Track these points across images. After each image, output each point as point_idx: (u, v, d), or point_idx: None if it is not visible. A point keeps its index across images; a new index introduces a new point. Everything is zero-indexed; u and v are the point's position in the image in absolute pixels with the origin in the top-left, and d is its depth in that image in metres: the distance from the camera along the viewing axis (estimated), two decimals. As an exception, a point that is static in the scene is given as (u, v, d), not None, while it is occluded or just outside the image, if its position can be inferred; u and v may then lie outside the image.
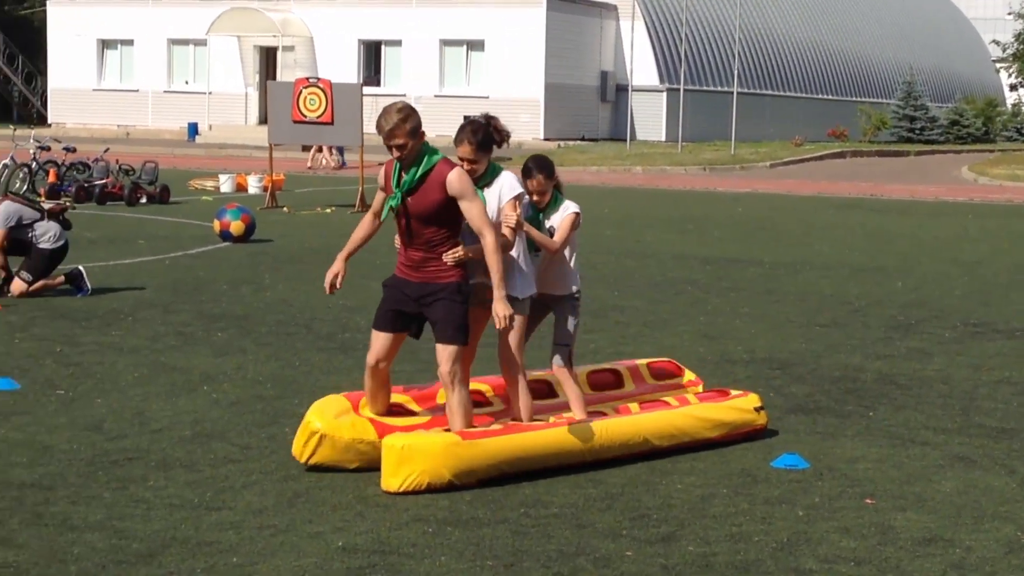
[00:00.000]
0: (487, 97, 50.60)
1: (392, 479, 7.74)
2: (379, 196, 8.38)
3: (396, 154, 8.00)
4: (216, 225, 21.13)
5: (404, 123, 7.93)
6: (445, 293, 8.01)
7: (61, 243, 14.93)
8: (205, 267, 17.93)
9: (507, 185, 8.34)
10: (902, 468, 8.58)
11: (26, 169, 27.69)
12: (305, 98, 26.85)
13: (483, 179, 8.36)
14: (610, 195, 33.43)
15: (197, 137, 52.23)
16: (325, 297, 15.14)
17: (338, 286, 8.29)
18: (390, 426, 8.21)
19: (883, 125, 60.39)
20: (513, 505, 7.66)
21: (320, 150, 40.89)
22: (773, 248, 21.98)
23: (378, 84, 51.68)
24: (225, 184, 31.69)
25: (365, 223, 8.45)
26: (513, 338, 8.31)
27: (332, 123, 26.89)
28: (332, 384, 10.63)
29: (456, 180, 7.97)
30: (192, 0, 55.24)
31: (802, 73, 65.38)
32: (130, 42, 56.22)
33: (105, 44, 56.85)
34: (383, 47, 53.80)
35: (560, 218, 8.70)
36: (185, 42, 55.19)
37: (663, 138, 53.74)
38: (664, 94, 54.94)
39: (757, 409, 9.29)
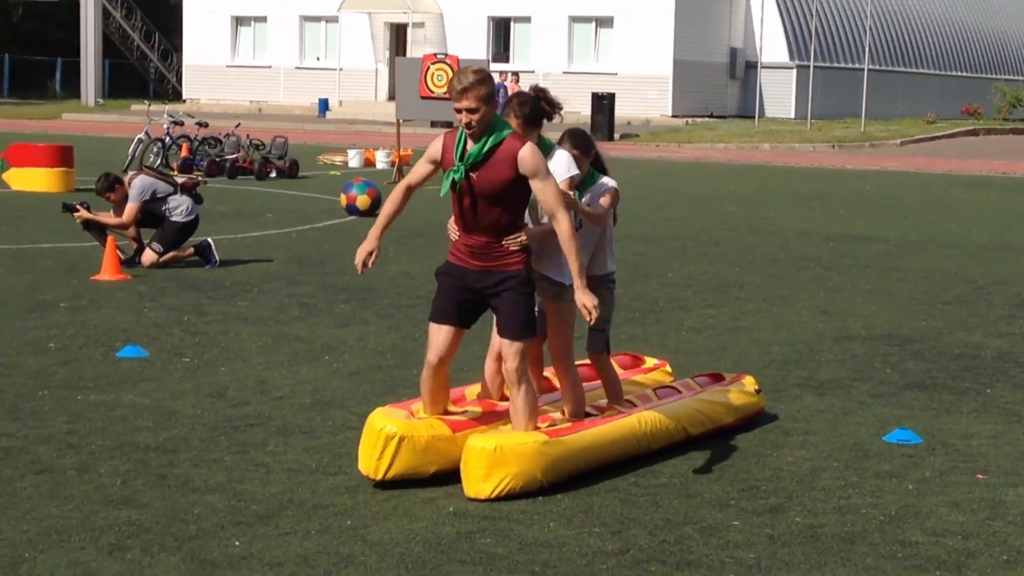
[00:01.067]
0: (615, 74, 50.61)
1: (483, 484, 7.10)
2: (421, 168, 7.55)
3: (465, 119, 7.17)
4: (343, 199, 21.40)
5: (480, 85, 7.13)
6: (512, 283, 7.34)
7: (192, 216, 15.22)
8: (331, 240, 18.19)
9: (560, 164, 7.65)
10: (1016, 445, 8.50)
11: (160, 144, 28.27)
12: (433, 74, 26.98)
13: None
14: (736, 172, 33.30)
15: (327, 113, 52.73)
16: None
17: (370, 265, 7.51)
18: (461, 422, 7.67)
19: (1018, 103, 59.27)
20: (623, 474, 7.71)
21: None
22: (899, 225, 21.75)
23: (507, 60, 51.82)
24: (353, 159, 32.02)
25: (396, 196, 7.60)
26: (566, 329, 7.88)
27: (459, 98, 27.02)
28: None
29: (530, 156, 7.20)
30: (325, -22, 55.89)
31: (936, 49, 64.41)
32: (263, 19, 56.86)
33: (239, 21, 57.58)
34: (512, 23, 53.86)
35: (596, 194, 8.10)
36: (317, 19, 55.72)
37: (792, 115, 53.23)
38: (794, 71, 54.40)
39: (757, 391, 9.01)
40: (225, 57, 57.34)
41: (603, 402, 8.40)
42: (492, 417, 7.83)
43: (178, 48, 60.43)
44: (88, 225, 15.35)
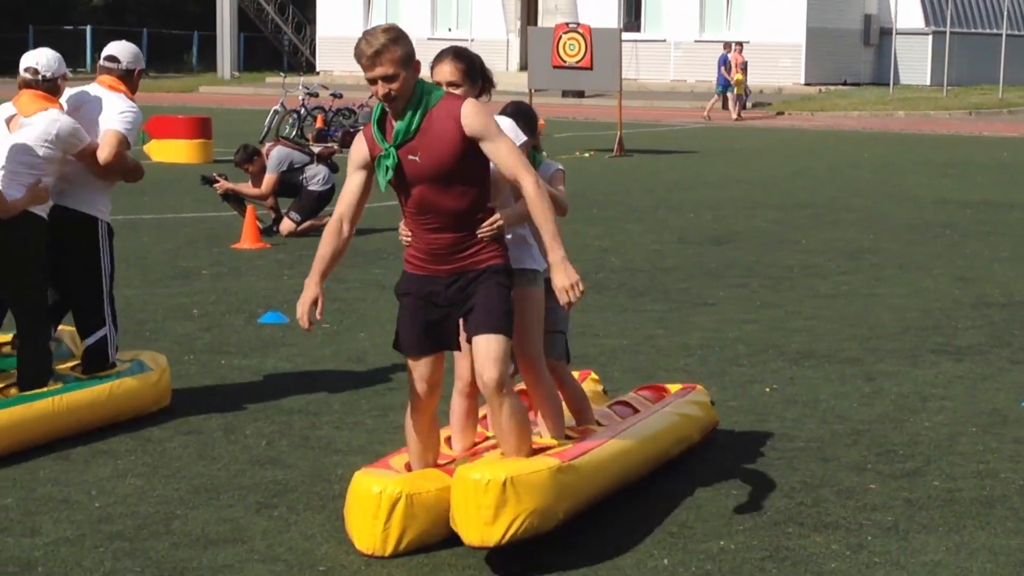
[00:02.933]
0: (748, 42, 49.93)
1: (491, 528, 5.50)
2: (350, 183, 5.93)
3: (382, 90, 5.58)
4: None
5: (394, 45, 5.56)
6: (492, 278, 5.75)
7: (329, 185, 15.43)
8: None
9: (505, 131, 5.89)
10: None
11: (295, 115, 28.62)
12: (565, 43, 26.98)
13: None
14: (871, 140, 32.90)
15: (459, 84, 52.88)
16: (580, 237, 15.45)
17: (318, 317, 5.82)
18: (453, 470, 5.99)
19: None
20: (759, 439, 7.71)
21: (725, 102, 40.61)
22: (1038, 192, 21.38)
23: (638, 30, 51.57)
24: (485, 129, 32.09)
25: (331, 233, 5.92)
26: (539, 322, 6.26)
27: (591, 68, 26.98)
28: (582, 324, 10.85)
29: (475, 112, 5.64)
30: (456, -52, 56.10)
31: (1076, 13, 62.90)
32: (393, -9, 57.18)
33: (369, -3, 57.96)
34: (643, -8, 53.61)
35: (546, 178, 6.36)
36: (449, -11, 55.92)
37: (927, 82, 52.28)
38: (930, 37, 53.41)
39: (711, 403, 7.68)
40: (358, 29, 57.27)
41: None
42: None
43: (311, 20, 60.93)
44: (228, 196, 15.63)
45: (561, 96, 41.73)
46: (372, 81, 5.59)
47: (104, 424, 7.75)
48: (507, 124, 6.11)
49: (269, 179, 15.31)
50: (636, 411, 7.26)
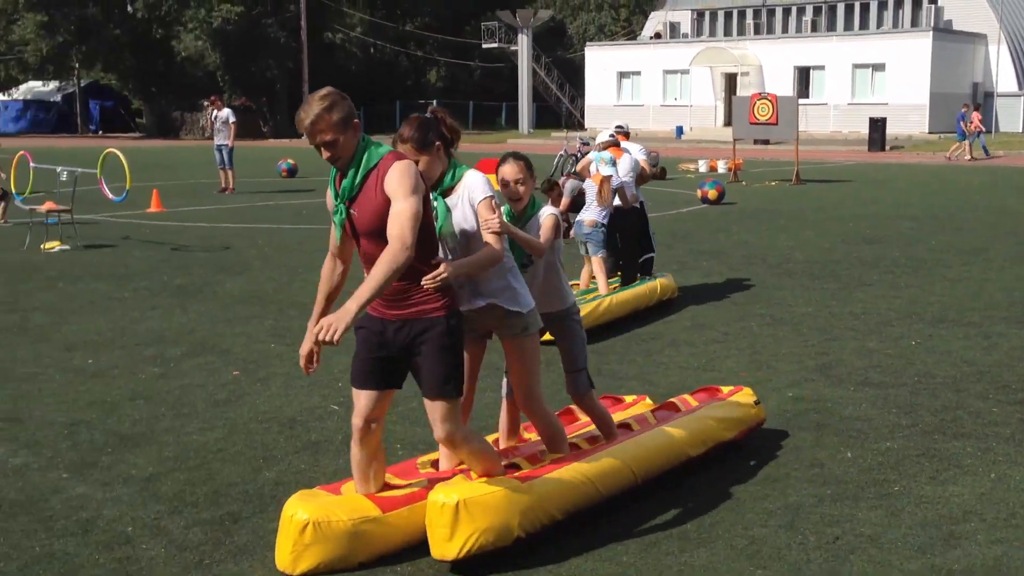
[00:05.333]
0: (887, 103, 48.39)
1: (448, 544, 4.45)
2: (332, 235, 4.57)
3: (325, 155, 4.28)
4: (698, 193, 21.43)
5: (328, 113, 4.22)
6: (431, 335, 4.37)
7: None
8: (692, 220, 18.28)
9: (475, 187, 4.63)
10: None
11: (574, 158, 28.71)
12: (757, 107, 26.78)
13: (441, 183, 4.66)
14: (979, 171, 31.37)
15: (682, 135, 52.50)
16: (772, 239, 15.29)
17: (315, 363, 4.47)
18: (396, 498, 4.70)
19: None
20: (909, 377, 7.55)
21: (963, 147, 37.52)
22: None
23: (807, 96, 50.29)
24: (702, 166, 31.86)
25: (325, 274, 4.63)
26: (533, 367, 4.89)
27: (777, 123, 26.78)
28: (779, 298, 10.80)
29: (395, 172, 4.23)
30: (680, 44, 55.63)
31: None
32: (638, 73, 56.92)
33: (622, 75, 57.83)
34: (811, 71, 52.09)
35: (538, 223, 5.16)
36: (675, 72, 55.39)
37: (1020, 130, 49.66)
38: (1022, 98, 50.71)
39: (756, 403, 6.22)
40: (612, 99, 57.71)
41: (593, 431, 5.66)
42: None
43: (581, 94, 61.22)
44: (535, 211, 15.95)
45: (753, 143, 41.07)
46: (316, 147, 4.28)
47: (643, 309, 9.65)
48: (479, 179, 4.62)
49: (564, 202, 15.59)
50: (677, 411, 6.02)
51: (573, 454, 5.13)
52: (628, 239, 10.67)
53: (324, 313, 4.56)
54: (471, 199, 4.63)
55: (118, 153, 14.12)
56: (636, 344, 8.69)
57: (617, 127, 11.42)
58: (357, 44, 64.27)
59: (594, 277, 10.11)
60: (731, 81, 53.61)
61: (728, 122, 40.91)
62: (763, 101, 26.97)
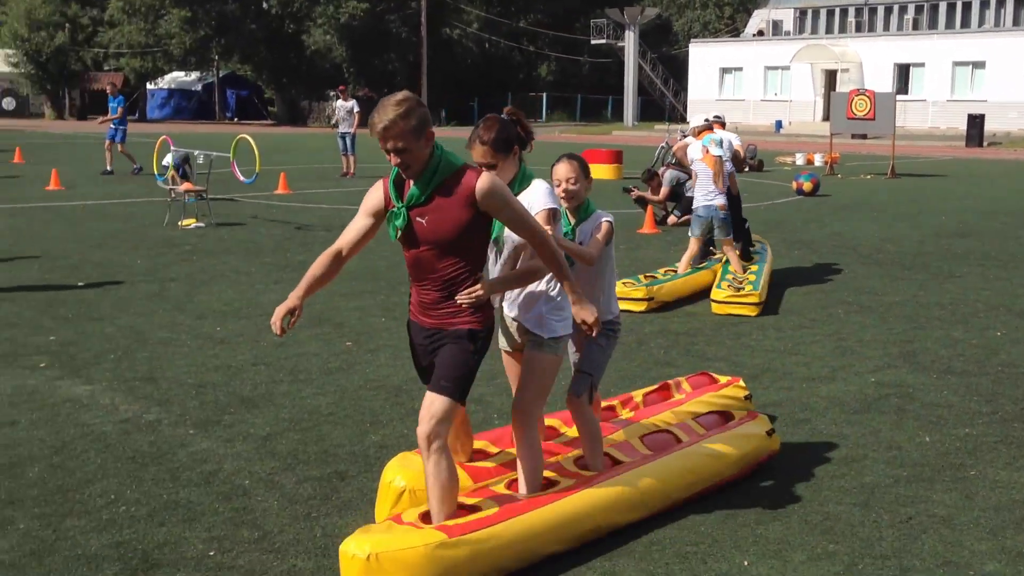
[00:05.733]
0: (985, 100, 46.75)
1: None
2: (356, 223, 4.13)
3: (394, 161, 3.90)
4: (793, 185, 21.07)
5: (403, 120, 3.83)
6: (454, 336, 4.04)
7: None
8: (786, 211, 17.95)
9: (539, 196, 4.31)
10: None
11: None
12: (855, 102, 26.22)
13: (511, 189, 4.23)
14: (1076, 168, 30.18)
15: (781, 129, 51.55)
16: (865, 231, 14.95)
17: (289, 327, 4.11)
18: (481, 468, 4.60)
19: None
20: (992, 366, 7.33)
21: None
22: None
23: (906, 92, 48.89)
24: (799, 159, 31.28)
25: (324, 260, 4.17)
26: (537, 382, 4.36)
27: (874, 119, 26.15)
28: (868, 287, 10.56)
29: (488, 186, 3.92)
30: (782, 41, 54.60)
31: None
32: (740, 68, 56.04)
33: (724, 70, 56.99)
34: (911, 67, 50.61)
35: (591, 228, 4.75)
36: (776, 68, 54.37)
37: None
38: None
39: (769, 433, 5.27)
40: (714, 93, 56.94)
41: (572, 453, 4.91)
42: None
43: (684, 89, 60.52)
44: (638, 200, 15.92)
45: (851, 138, 40.13)
46: (386, 152, 3.90)
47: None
48: (543, 189, 4.35)
49: (664, 191, 15.52)
50: (673, 439, 5.15)
51: (537, 497, 4.33)
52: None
53: (310, 292, 4.14)
54: (532, 207, 4.23)
55: (249, 139, 14.46)
56: (726, 327, 8.61)
57: (715, 116, 11.47)
58: (473, 39, 64.53)
59: (719, 256, 10.41)
60: (831, 77, 52.39)
61: (826, 117, 39.93)
62: (861, 97, 26.38)
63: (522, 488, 4.39)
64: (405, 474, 4.46)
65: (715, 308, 9.15)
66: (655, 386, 6.03)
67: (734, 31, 64.27)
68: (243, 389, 6.57)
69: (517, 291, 4.40)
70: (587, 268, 4.67)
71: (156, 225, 14.52)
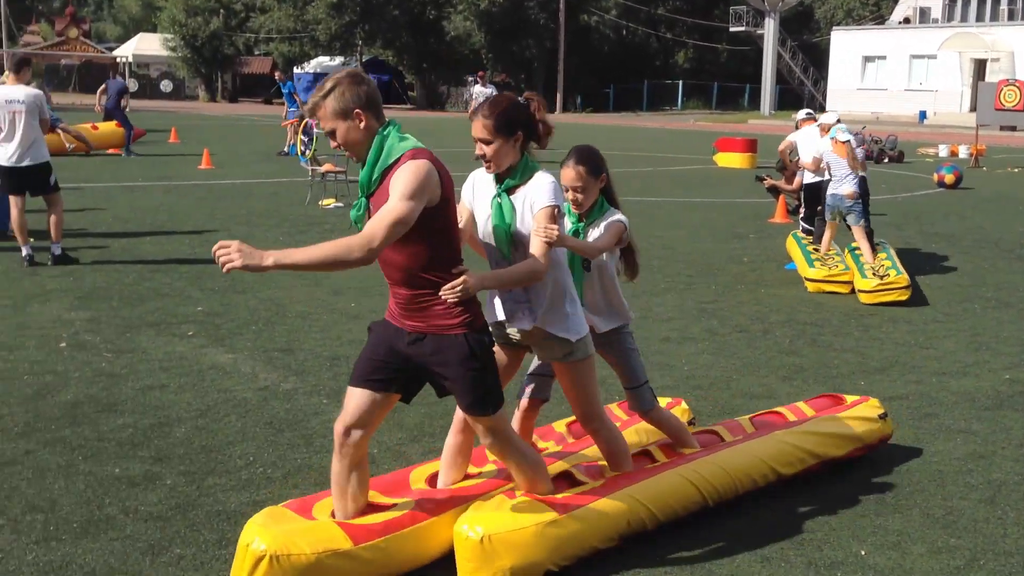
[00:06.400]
0: None
1: None
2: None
3: (333, 144, 3.60)
4: (935, 177, 20.37)
5: (325, 99, 3.57)
6: (455, 357, 3.61)
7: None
8: (926, 203, 17.39)
9: (540, 191, 3.79)
10: None
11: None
12: (1004, 93, 25.27)
13: (509, 178, 3.84)
14: None
15: (925, 120, 49.80)
16: (1011, 221, 14.37)
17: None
18: (371, 527, 3.79)
19: None
20: None
21: None
22: None
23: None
24: (942, 151, 30.18)
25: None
26: (587, 390, 4.10)
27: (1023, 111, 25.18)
28: (1008, 282, 10.19)
29: (401, 172, 3.46)
30: (929, 29, 52.65)
31: None
32: (883, 57, 54.33)
33: (866, 59, 55.34)
34: (1067, 57, 48.33)
35: (603, 228, 4.26)
36: (921, 56, 52.53)
37: None
38: None
39: (881, 416, 5.15)
40: (856, 82, 55.37)
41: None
42: (439, 508, 3.97)
43: (824, 77, 58.99)
44: (771, 189, 15.64)
45: (999, 129, 38.46)
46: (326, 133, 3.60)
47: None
48: (546, 183, 3.80)
49: (797, 181, 15.17)
50: (783, 420, 5.07)
51: (636, 471, 4.31)
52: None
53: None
54: (533, 203, 3.78)
55: (388, 122, 14.73)
56: (855, 318, 8.44)
57: (807, 113, 12.17)
58: (611, 26, 64.22)
59: (856, 243, 10.25)
60: (980, 67, 50.32)
61: (973, 108, 38.46)
62: (1010, 87, 25.38)
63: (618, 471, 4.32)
64: (266, 535, 3.62)
65: (864, 299, 9.03)
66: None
67: (879, 18, 62.24)
68: (375, 362, 6.76)
69: (533, 299, 3.90)
70: (599, 277, 4.27)
71: (298, 204, 14.97)
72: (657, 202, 16.62)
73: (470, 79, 59.97)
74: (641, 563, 3.98)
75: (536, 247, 3.73)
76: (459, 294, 3.52)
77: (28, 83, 10.26)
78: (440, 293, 3.54)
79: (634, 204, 16.31)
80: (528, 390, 4.43)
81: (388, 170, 3.53)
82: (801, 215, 12.36)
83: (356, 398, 3.76)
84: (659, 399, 5.16)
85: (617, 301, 4.35)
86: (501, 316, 3.97)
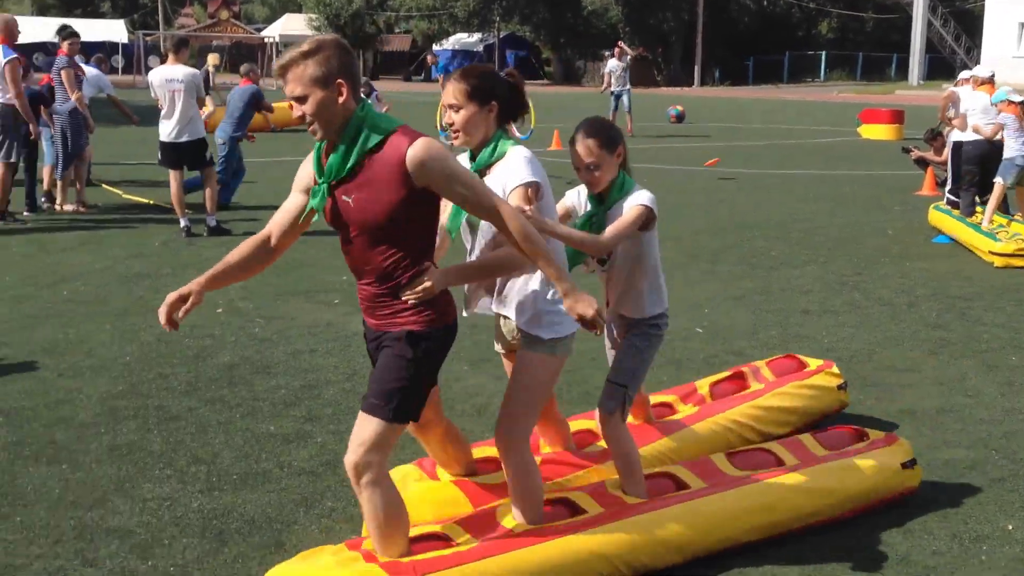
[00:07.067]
0: None
1: None
2: (288, 202, 3.32)
3: (295, 112, 3.09)
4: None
5: (306, 58, 3.06)
6: (392, 341, 3.20)
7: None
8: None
9: (515, 168, 3.37)
10: None
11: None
12: None
13: (481, 155, 3.46)
14: None
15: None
16: None
17: (179, 318, 3.16)
18: (482, 488, 3.74)
19: None
20: None
21: None
22: None
23: None
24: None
25: (246, 245, 3.32)
26: (523, 395, 3.50)
27: None
28: None
29: (422, 154, 3.03)
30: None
31: None
32: (1042, 23, 51.73)
33: (1022, 26, 52.72)
34: None
35: (622, 211, 3.72)
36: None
37: None
38: None
39: (908, 464, 4.15)
40: (1012, 50, 52.75)
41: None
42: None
43: (977, 45, 56.43)
44: (918, 161, 15.15)
45: None
46: (289, 101, 3.12)
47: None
48: (520, 159, 3.38)
49: (945, 152, 14.65)
50: (774, 461, 4.12)
51: (515, 536, 3.42)
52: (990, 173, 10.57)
53: (219, 280, 3.26)
54: (505, 184, 3.35)
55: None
56: (1008, 293, 8.15)
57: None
58: (751, -3, 62.81)
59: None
60: None
61: None
62: None
63: (519, 520, 3.53)
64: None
65: (997, 262, 8.99)
66: (727, 373, 4.98)
67: (1038, -18, 59.14)
68: (514, 331, 6.88)
69: (506, 287, 3.53)
70: (623, 262, 3.81)
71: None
72: (796, 175, 16.29)
73: (608, 54, 59.73)
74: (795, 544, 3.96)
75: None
76: (420, 294, 3.15)
77: (186, 63, 10.73)
78: (402, 294, 3.16)
79: (773, 176, 16.03)
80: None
81: (370, 155, 3.08)
82: (947, 188, 11.99)
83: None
84: (809, 359, 5.01)
85: (641, 290, 3.83)
86: (484, 309, 3.59)
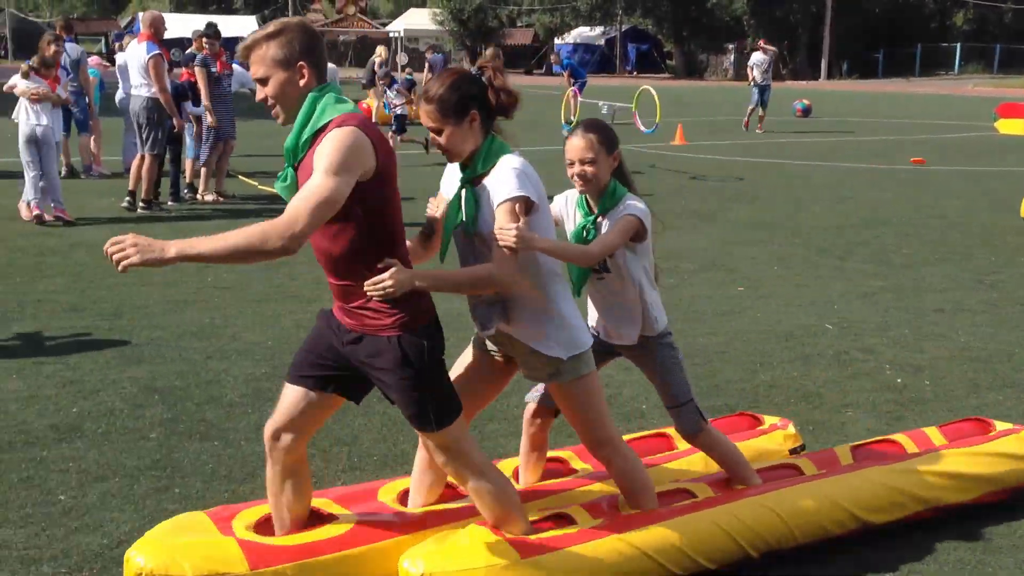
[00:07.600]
0: None
1: None
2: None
3: (260, 95, 3.06)
4: None
5: (269, 40, 3.02)
6: (388, 362, 3.10)
7: None
8: None
9: (500, 181, 3.16)
10: None
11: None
12: None
13: (470, 168, 3.23)
14: None
15: None
16: None
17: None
18: (275, 548, 3.27)
19: None
20: None
21: None
22: None
23: None
24: None
25: (413, 241, 3.41)
26: (589, 412, 3.43)
27: None
28: None
29: (326, 142, 2.94)
30: None
31: None
32: None
33: None
34: None
35: (613, 223, 3.52)
36: None
37: None
38: None
39: None
40: None
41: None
42: (386, 532, 3.41)
43: (1125, 36, 53.79)
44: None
45: None
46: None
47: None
48: (510, 171, 3.16)
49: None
50: (895, 450, 4.12)
51: (653, 512, 3.53)
52: None
53: (412, 250, 3.29)
54: (492, 197, 3.15)
55: (652, 91, 14.85)
56: None
57: None
58: (882, -13, 61.09)
59: None
60: None
61: None
62: None
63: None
64: (148, 551, 3.20)
65: None
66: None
67: None
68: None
69: (511, 308, 3.32)
70: (612, 281, 3.62)
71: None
72: (929, 171, 15.86)
73: (730, 47, 58.80)
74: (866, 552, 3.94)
75: (494, 252, 3.11)
76: (380, 291, 2.99)
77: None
78: (365, 287, 3.02)
79: (903, 172, 15.65)
80: (536, 394, 3.84)
81: (316, 135, 3.01)
82: None
83: (289, 396, 3.30)
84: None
85: (640, 307, 3.63)
86: (569, 348, 3.34)
